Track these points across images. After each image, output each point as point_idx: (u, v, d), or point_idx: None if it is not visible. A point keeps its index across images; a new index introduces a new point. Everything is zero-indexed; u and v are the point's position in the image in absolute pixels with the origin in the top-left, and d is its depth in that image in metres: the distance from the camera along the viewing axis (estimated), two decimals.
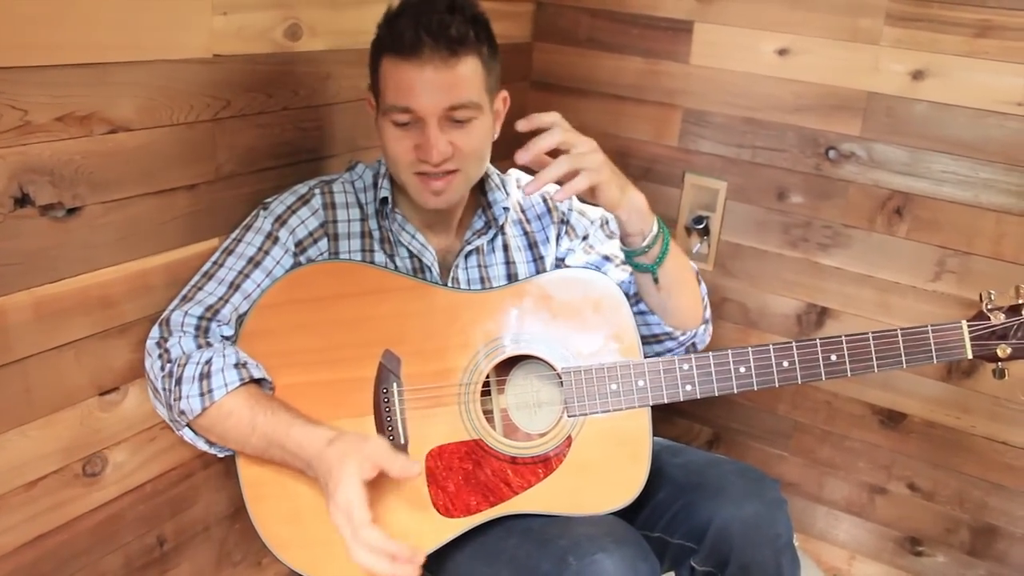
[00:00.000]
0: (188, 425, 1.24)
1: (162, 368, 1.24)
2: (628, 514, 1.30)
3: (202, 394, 1.20)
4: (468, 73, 1.26)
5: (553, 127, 1.23)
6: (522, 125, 1.23)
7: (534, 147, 1.21)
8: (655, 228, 1.29)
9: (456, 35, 1.23)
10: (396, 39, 1.24)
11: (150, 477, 1.43)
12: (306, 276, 1.30)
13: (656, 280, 1.32)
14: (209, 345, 1.25)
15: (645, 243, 1.28)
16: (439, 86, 1.24)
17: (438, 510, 1.26)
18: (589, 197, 1.26)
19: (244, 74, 1.40)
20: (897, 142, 1.82)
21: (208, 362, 1.21)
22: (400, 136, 1.28)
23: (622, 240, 1.32)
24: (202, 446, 1.27)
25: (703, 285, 1.47)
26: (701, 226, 2.04)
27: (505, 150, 1.33)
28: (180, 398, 1.21)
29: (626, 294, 1.38)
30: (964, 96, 1.73)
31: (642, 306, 1.40)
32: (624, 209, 1.26)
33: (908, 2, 1.74)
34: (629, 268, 1.46)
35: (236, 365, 1.22)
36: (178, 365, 1.23)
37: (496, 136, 1.39)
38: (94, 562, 1.37)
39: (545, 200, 1.54)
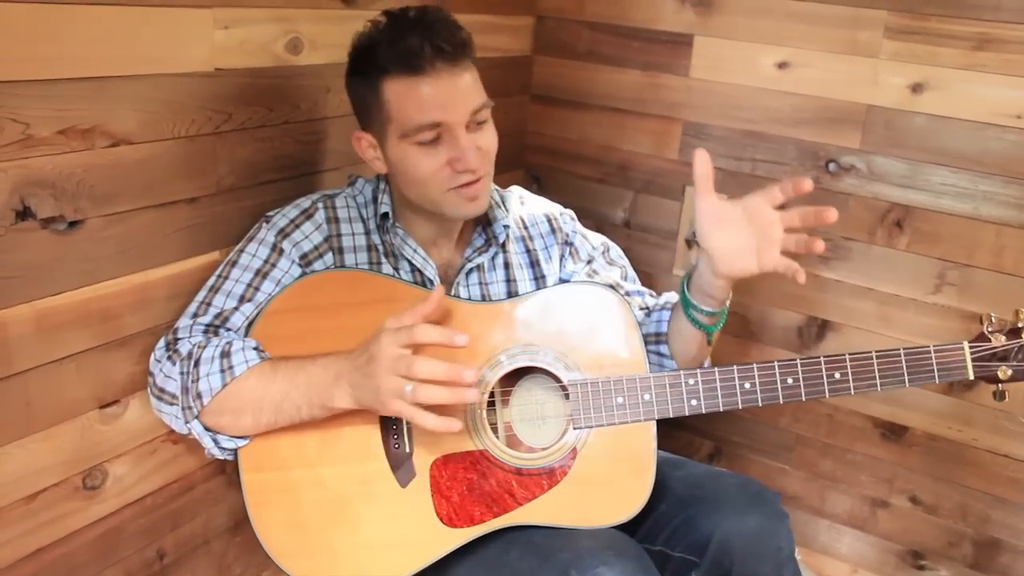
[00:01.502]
0: (197, 417, 1.24)
1: (174, 362, 1.25)
2: (629, 527, 1.29)
3: (222, 371, 1.21)
4: (473, 76, 1.30)
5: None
6: (809, 185, 1.18)
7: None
8: (726, 306, 1.35)
9: (462, 41, 1.27)
10: (406, 58, 1.24)
11: (150, 490, 1.43)
12: (315, 283, 1.30)
13: (710, 342, 1.39)
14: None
15: (720, 308, 1.33)
16: (461, 93, 1.27)
17: (441, 519, 1.25)
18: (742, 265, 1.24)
19: (245, 88, 1.40)
20: (897, 155, 1.82)
21: (229, 343, 1.23)
22: (429, 154, 1.28)
23: (701, 300, 1.32)
24: (207, 442, 1.26)
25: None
26: None
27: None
28: (199, 378, 1.21)
29: (647, 334, 1.41)
30: (963, 109, 1.74)
31: (662, 348, 1.43)
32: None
33: (907, 16, 1.74)
34: (635, 303, 1.47)
35: (256, 348, 1.23)
36: (197, 347, 1.24)
37: None
38: None
39: (549, 219, 1.54)
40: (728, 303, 1.34)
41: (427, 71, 1.24)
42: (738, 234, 1.22)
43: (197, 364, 1.22)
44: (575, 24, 2.11)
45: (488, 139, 1.32)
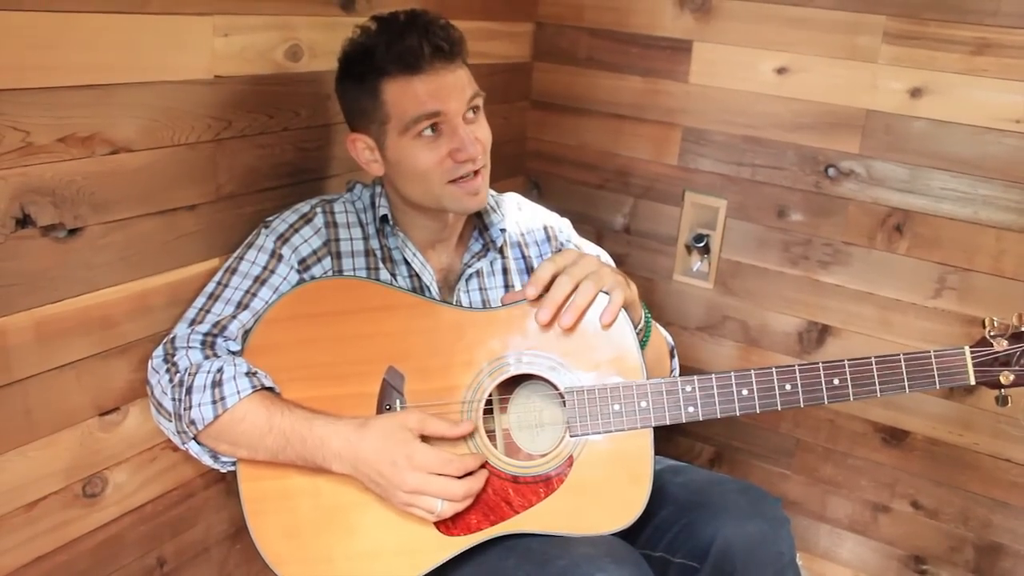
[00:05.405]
0: (195, 438, 1.24)
1: (170, 380, 1.24)
2: (630, 534, 1.29)
3: (214, 402, 1.20)
4: (467, 72, 1.35)
5: (553, 277, 1.28)
6: (531, 292, 1.27)
7: (549, 305, 1.27)
8: (643, 319, 1.37)
9: (456, 39, 1.31)
10: (405, 58, 1.28)
11: (150, 498, 1.43)
12: (312, 291, 1.30)
13: None
14: (217, 357, 1.26)
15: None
16: (456, 85, 1.31)
17: (438, 528, 1.25)
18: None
19: (245, 95, 1.40)
20: (896, 159, 1.82)
21: (219, 370, 1.22)
22: (430, 147, 1.31)
23: None
24: (206, 460, 1.27)
25: (675, 359, 1.54)
26: (701, 244, 2.04)
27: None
28: (191, 407, 1.21)
29: None
30: (962, 113, 1.74)
31: None
32: (633, 304, 1.33)
33: (906, 20, 1.75)
34: None
35: (247, 374, 1.23)
36: (188, 374, 1.23)
37: None
38: None
39: (546, 227, 1.55)
40: (640, 324, 1.35)
41: (425, 69, 1.29)
42: None
43: (189, 392, 1.22)
44: (574, 30, 2.12)
45: (484, 131, 1.37)
